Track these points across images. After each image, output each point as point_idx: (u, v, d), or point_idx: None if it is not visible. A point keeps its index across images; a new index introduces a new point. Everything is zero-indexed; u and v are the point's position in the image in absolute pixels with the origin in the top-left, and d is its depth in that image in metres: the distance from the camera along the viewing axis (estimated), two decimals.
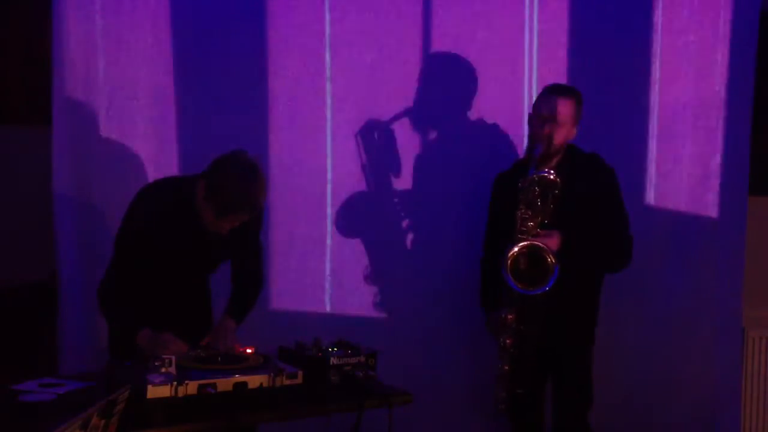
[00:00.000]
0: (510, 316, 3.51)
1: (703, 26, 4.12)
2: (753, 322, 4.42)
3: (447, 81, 4.07)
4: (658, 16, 4.12)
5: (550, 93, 3.57)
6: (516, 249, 3.40)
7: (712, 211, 4.18)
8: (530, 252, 3.42)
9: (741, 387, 4.38)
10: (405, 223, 4.06)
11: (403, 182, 4.06)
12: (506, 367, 3.57)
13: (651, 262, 4.09)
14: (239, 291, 3.32)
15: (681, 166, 4.18)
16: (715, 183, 4.18)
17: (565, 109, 3.52)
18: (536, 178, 3.41)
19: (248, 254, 3.36)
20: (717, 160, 4.18)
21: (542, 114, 3.53)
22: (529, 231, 3.43)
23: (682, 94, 4.16)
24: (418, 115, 4.04)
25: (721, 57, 4.13)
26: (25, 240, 4.04)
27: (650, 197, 4.19)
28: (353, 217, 4.03)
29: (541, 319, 3.49)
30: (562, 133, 3.54)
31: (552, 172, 3.41)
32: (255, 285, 3.39)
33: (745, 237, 4.21)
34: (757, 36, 4.14)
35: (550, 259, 3.38)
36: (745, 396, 4.45)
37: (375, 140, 4.00)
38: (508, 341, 3.54)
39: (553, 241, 3.42)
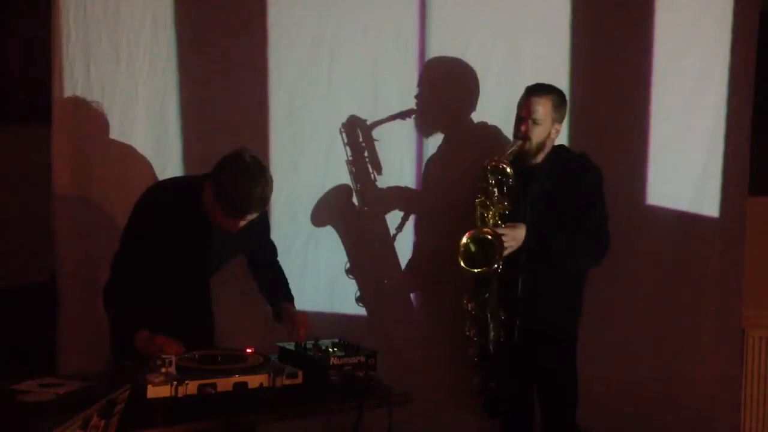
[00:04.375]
0: (470, 305, 3.55)
1: (703, 26, 4.12)
2: (753, 322, 4.42)
3: (447, 83, 4.06)
4: (659, 16, 4.12)
5: (527, 93, 3.57)
6: (464, 239, 3.42)
7: (712, 211, 4.18)
8: (478, 240, 3.43)
9: (741, 387, 4.38)
10: (405, 224, 4.06)
11: (403, 182, 4.06)
12: (476, 359, 3.61)
13: (651, 262, 4.09)
14: (276, 279, 3.47)
15: (681, 166, 4.18)
16: (715, 183, 4.18)
17: (540, 107, 3.53)
18: (489, 167, 3.45)
19: (265, 250, 3.50)
20: (717, 160, 4.18)
21: (520, 114, 3.57)
22: (489, 222, 3.47)
23: (682, 93, 4.16)
24: (419, 115, 4.04)
25: (721, 57, 4.13)
26: (25, 240, 4.03)
27: (650, 197, 4.18)
28: (353, 218, 4.03)
29: (517, 309, 3.50)
30: (540, 132, 3.54)
31: (503, 160, 3.43)
32: (282, 273, 3.51)
33: (745, 237, 4.21)
34: (757, 36, 4.14)
35: (493, 238, 3.39)
36: (745, 396, 4.45)
37: (375, 141, 4.00)
38: (472, 331, 3.58)
39: (519, 233, 3.43)
